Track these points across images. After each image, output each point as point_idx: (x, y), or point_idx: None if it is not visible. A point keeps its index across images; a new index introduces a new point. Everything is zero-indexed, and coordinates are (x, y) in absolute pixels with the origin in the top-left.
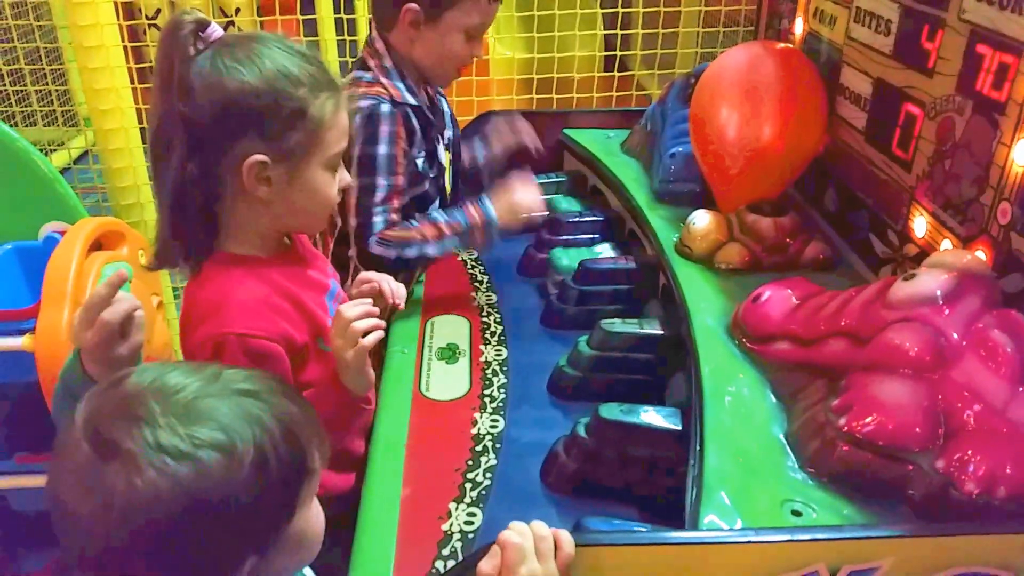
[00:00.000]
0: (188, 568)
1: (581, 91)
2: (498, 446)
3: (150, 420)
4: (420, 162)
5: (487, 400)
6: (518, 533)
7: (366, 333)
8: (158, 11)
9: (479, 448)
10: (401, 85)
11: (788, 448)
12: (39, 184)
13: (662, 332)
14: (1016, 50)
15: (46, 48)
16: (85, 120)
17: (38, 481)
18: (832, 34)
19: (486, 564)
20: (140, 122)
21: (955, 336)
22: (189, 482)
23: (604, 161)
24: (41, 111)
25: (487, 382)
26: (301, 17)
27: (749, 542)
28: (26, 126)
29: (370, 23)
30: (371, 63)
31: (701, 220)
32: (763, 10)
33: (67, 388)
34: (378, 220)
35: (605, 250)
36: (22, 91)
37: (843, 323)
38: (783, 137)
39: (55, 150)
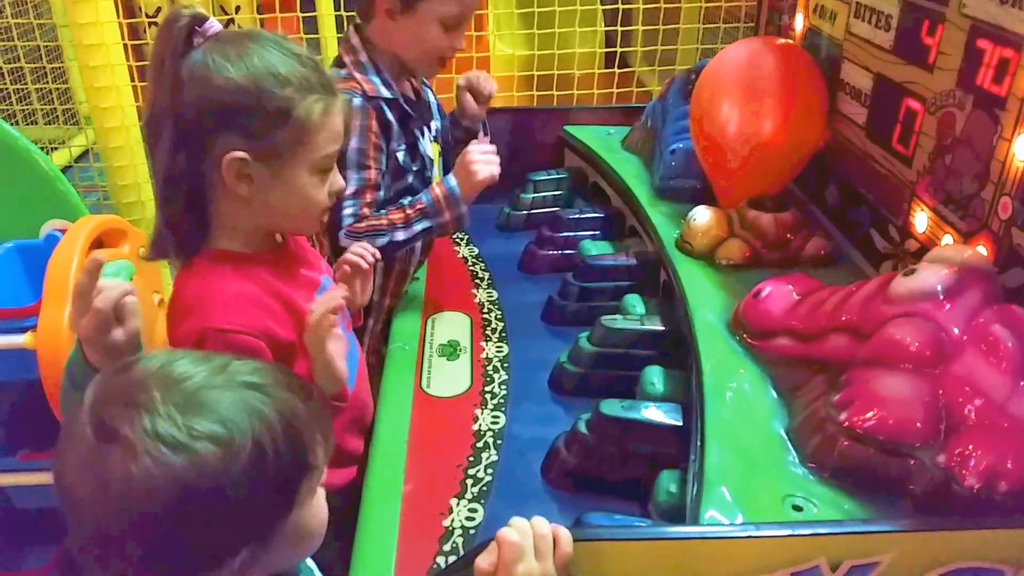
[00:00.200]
0: (180, 554)
1: (582, 88)
2: (499, 442)
3: (150, 408)
4: (401, 156)
5: (488, 396)
6: (518, 531)
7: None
8: (158, 9)
9: (480, 444)
10: (376, 79)
11: (789, 443)
12: (40, 182)
13: (663, 328)
14: (1016, 44)
15: (47, 46)
16: (86, 118)
17: (40, 478)
18: (832, 29)
19: (483, 560)
20: (141, 120)
21: (956, 331)
22: (183, 472)
23: (605, 158)
24: (42, 109)
25: (488, 378)
26: (301, 15)
27: (750, 537)
28: (27, 124)
29: (347, 21)
30: (346, 59)
31: (702, 216)
32: (763, 6)
33: (71, 379)
34: (347, 213)
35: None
36: (23, 89)
37: (844, 318)
38: (784, 133)
39: (56, 148)
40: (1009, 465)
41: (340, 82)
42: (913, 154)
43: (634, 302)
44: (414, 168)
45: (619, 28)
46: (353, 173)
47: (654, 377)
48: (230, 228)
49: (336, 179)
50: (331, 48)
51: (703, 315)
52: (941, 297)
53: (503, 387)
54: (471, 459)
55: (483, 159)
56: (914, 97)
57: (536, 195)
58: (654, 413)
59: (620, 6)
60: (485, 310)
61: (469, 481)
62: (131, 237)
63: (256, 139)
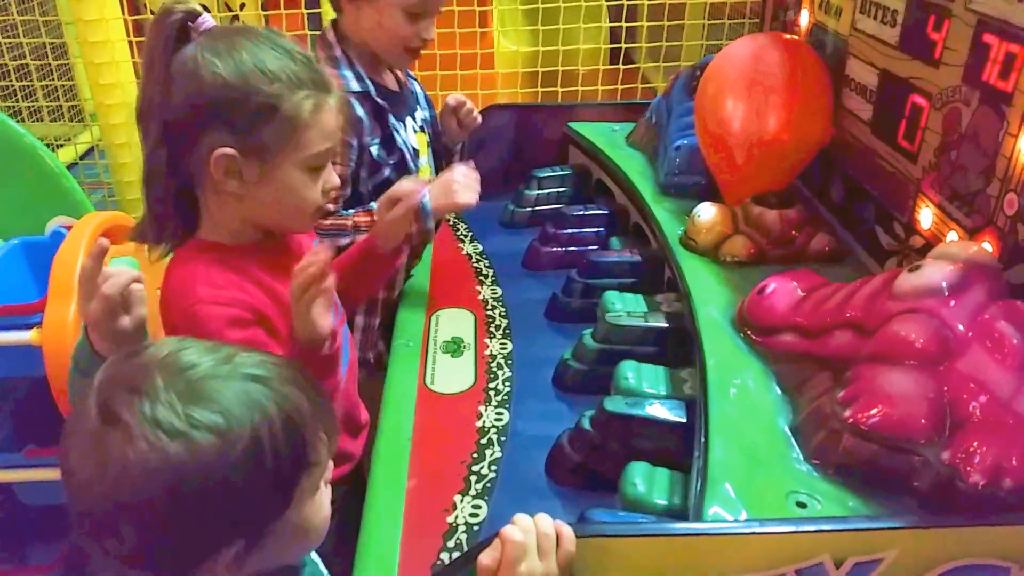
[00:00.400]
0: (172, 541)
1: (586, 84)
2: (503, 439)
3: (152, 394)
4: (375, 149)
5: (492, 393)
6: (521, 528)
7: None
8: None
9: (484, 441)
10: (348, 72)
11: (793, 440)
12: (45, 179)
13: (667, 325)
14: (1023, 40)
15: (52, 44)
16: (91, 115)
17: (46, 474)
18: (838, 25)
19: (486, 556)
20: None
21: (961, 327)
22: (179, 460)
23: (609, 154)
24: (47, 106)
25: (492, 375)
26: (306, 11)
27: (754, 533)
28: (32, 122)
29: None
30: (321, 55)
31: (706, 213)
32: (768, 1)
33: (78, 366)
34: None
35: None
36: (28, 87)
37: (848, 315)
38: (788, 129)
39: (61, 145)
40: (1014, 462)
41: None
42: (918, 150)
43: (613, 299)
44: (391, 161)
45: (624, 24)
46: None
47: (628, 371)
48: (218, 222)
49: (331, 177)
50: None
51: (707, 311)
52: (946, 293)
53: (507, 384)
54: (475, 456)
55: (466, 183)
56: (920, 93)
57: (540, 192)
58: (658, 410)
59: (625, 2)
60: (489, 307)
61: (473, 478)
62: None
63: (243, 135)
